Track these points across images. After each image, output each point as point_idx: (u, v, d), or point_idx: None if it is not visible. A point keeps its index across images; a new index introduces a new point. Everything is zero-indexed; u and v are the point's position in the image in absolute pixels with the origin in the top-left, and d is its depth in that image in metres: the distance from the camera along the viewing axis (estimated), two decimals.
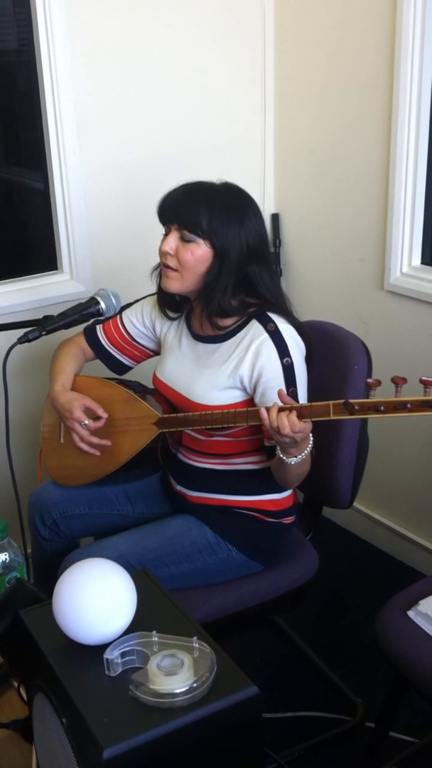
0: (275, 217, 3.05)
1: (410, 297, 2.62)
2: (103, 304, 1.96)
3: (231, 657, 1.13)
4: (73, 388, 2.03)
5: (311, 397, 1.86)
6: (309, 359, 1.88)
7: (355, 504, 2.21)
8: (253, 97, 2.91)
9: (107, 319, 2.09)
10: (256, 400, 1.83)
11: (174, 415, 1.92)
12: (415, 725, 2.20)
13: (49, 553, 2.13)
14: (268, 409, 1.65)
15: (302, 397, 1.83)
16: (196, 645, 1.11)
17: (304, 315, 1.94)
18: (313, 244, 2.96)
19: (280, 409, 1.64)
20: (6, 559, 1.55)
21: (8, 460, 1.94)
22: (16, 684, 1.46)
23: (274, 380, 1.79)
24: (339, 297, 2.88)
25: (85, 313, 1.96)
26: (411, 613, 1.80)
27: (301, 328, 1.88)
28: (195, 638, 1.12)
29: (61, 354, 2.10)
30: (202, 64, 2.75)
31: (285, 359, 1.79)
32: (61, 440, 2.08)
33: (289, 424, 1.62)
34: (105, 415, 1.95)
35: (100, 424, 1.95)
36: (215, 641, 1.15)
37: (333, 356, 2.07)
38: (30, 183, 2.74)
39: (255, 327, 1.84)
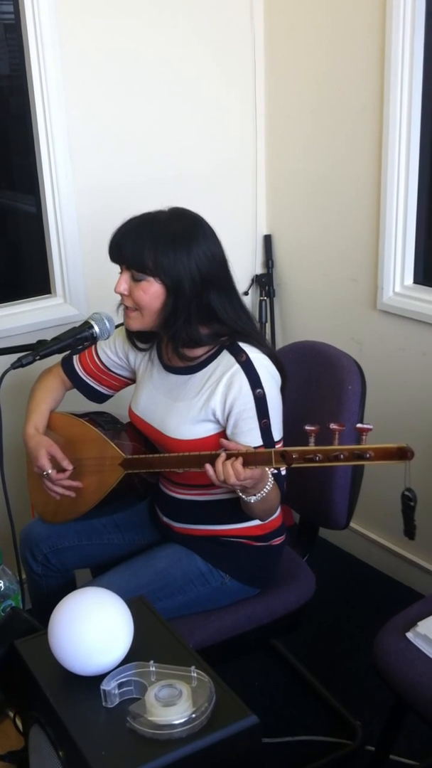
0: (268, 239, 3.06)
1: (403, 316, 2.63)
2: (96, 328, 1.95)
3: (229, 682, 1.12)
4: (47, 425, 2.02)
5: (303, 418, 1.83)
6: (283, 388, 1.85)
7: (352, 524, 2.20)
8: (244, 119, 2.92)
9: (84, 349, 2.07)
10: (228, 432, 1.79)
11: (138, 456, 1.90)
12: (415, 748, 2.18)
13: (45, 590, 2.11)
14: (215, 462, 1.63)
15: (276, 428, 1.79)
16: (195, 674, 1.10)
17: (297, 335, 1.94)
18: (306, 265, 2.97)
19: (228, 456, 1.62)
20: (1, 587, 1.54)
21: (2, 486, 1.93)
22: (12, 714, 1.44)
23: (246, 412, 1.76)
24: (332, 317, 2.89)
25: (78, 337, 1.94)
26: (410, 635, 1.79)
27: (275, 357, 1.84)
28: (193, 667, 1.11)
29: (39, 387, 2.08)
30: (194, 89, 2.77)
31: (257, 390, 1.75)
32: None
33: (234, 473, 1.60)
34: (70, 468, 1.93)
35: (63, 476, 1.93)
36: (213, 667, 1.14)
37: (327, 376, 2.07)
38: (22, 207, 2.74)
39: (226, 358, 1.80)
